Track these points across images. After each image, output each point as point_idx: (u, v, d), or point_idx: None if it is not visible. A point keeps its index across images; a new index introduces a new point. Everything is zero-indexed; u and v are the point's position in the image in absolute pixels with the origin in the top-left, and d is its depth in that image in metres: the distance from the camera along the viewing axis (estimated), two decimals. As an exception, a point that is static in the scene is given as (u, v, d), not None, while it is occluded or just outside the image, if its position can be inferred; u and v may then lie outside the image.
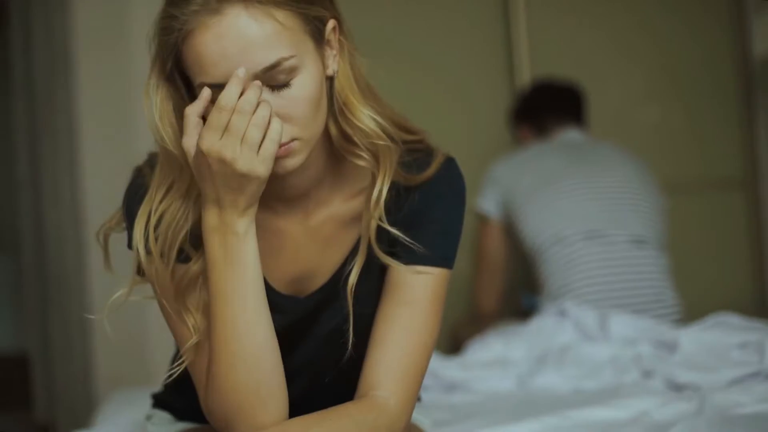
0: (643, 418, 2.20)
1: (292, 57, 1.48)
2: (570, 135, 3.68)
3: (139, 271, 1.64)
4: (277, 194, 1.66)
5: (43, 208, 4.10)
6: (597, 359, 2.77)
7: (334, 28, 1.58)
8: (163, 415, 1.89)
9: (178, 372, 1.61)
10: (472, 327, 3.49)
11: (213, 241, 1.53)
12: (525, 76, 4.22)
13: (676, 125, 4.39)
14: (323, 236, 1.69)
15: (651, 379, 2.61)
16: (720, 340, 2.63)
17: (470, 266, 3.71)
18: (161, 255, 1.58)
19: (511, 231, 3.52)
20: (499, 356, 2.81)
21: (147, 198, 1.60)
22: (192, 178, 1.55)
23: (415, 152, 1.70)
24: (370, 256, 1.63)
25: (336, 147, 1.63)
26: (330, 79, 1.59)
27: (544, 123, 3.73)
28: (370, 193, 1.62)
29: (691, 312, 3.47)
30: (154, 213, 1.57)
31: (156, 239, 1.58)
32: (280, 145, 1.49)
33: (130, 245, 1.64)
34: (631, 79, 4.38)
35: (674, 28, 4.39)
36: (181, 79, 1.56)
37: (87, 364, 4.03)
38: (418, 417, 1.85)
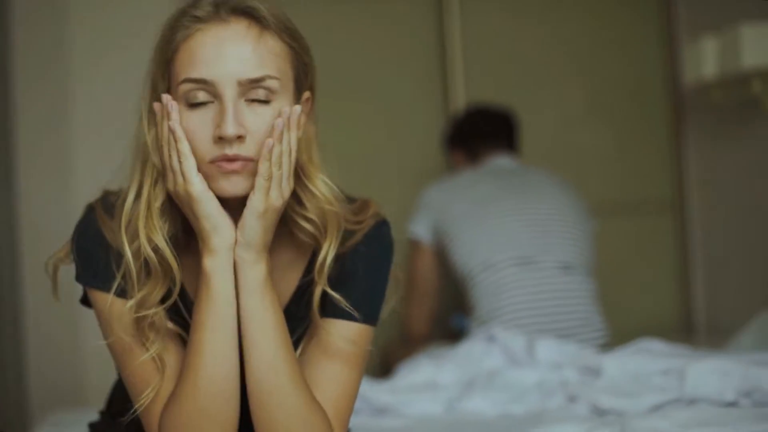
0: (567, 444, 2.26)
1: (276, 79, 1.61)
2: (502, 161, 3.74)
3: (84, 300, 1.72)
4: None
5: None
6: (524, 384, 2.82)
7: (308, 99, 1.71)
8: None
9: (141, 408, 1.66)
10: (403, 350, 3.53)
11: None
12: (459, 101, 4.27)
13: (607, 148, 4.46)
14: None
15: (576, 403, 2.67)
16: (643, 366, 2.70)
17: (401, 289, 3.74)
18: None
19: (442, 256, 3.56)
20: (428, 380, 2.84)
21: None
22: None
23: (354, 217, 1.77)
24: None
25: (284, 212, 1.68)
26: None
27: (476, 149, 3.78)
28: (315, 258, 1.70)
29: (620, 333, 3.54)
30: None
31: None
32: (240, 157, 1.58)
33: (77, 278, 1.71)
34: (564, 102, 4.44)
35: (607, 54, 4.47)
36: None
37: (22, 388, 4.02)
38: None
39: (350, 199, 1.80)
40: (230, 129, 1.57)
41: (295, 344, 1.71)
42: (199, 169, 1.60)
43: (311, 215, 1.69)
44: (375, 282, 1.77)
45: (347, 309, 1.70)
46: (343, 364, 1.71)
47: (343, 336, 1.71)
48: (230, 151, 1.58)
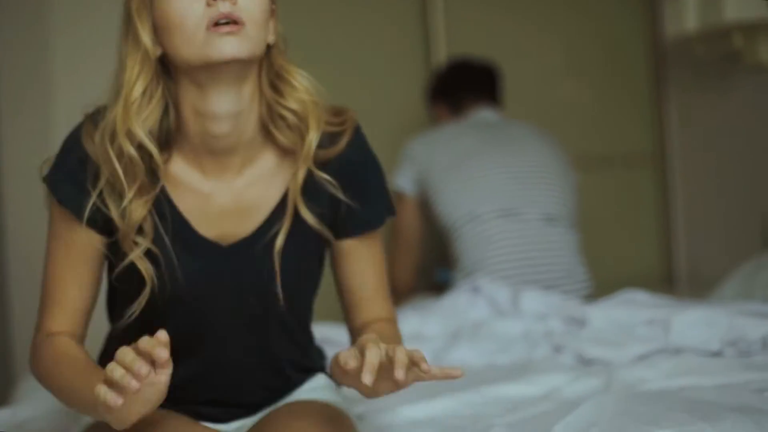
0: (554, 394, 2.28)
1: None
2: (484, 114, 3.74)
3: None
4: (209, 148, 1.74)
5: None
6: (509, 334, 2.84)
7: (273, 9, 1.76)
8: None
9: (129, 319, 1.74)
10: (389, 302, 3.53)
11: None
12: (441, 54, 4.26)
13: (588, 102, 4.47)
14: (249, 198, 1.78)
15: (561, 353, 2.69)
16: (628, 316, 2.72)
17: (386, 242, 3.76)
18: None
19: (426, 208, 3.57)
20: (414, 332, 2.85)
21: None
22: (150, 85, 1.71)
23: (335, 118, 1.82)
24: (294, 218, 1.77)
25: (266, 112, 1.76)
26: (268, 47, 1.73)
27: (459, 102, 3.78)
28: (299, 151, 1.75)
29: (602, 285, 3.56)
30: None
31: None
32: (236, 17, 1.63)
33: (44, 180, 1.76)
34: (546, 56, 4.44)
35: (588, 7, 4.46)
36: None
37: (4, 338, 4.02)
38: (340, 401, 1.90)
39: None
40: None
41: (272, 240, 1.76)
42: (196, 42, 1.64)
43: (293, 106, 1.74)
44: (379, 180, 1.87)
45: (365, 217, 1.83)
46: (377, 262, 1.88)
47: (369, 245, 1.86)
48: (224, 8, 1.62)
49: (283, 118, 1.75)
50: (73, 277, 1.74)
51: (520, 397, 2.27)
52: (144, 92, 1.69)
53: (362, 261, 1.85)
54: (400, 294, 3.55)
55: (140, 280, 1.72)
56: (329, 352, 2.69)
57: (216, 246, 1.76)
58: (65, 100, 3.78)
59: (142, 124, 1.69)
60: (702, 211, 4.30)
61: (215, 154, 1.75)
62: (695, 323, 2.55)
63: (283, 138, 1.76)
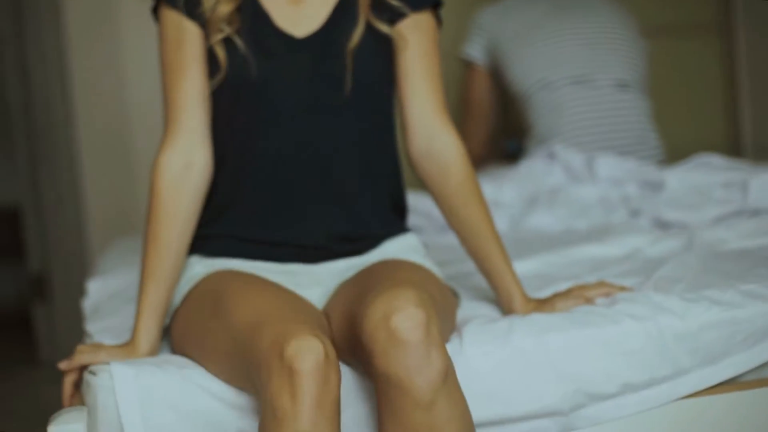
0: (636, 254, 2.31)
1: None
2: (554, -19, 3.71)
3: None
4: None
5: (29, 61, 4.12)
6: (586, 200, 2.86)
7: None
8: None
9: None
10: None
11: None
12: None
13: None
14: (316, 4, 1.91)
15: (638, 217, 2.71)
16: (704, 179, 2.73)
17: (457, 112, 3.77)
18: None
19: (497, 77, 3.57)
20: (491, 198, 2.87)
21: None
22: None
23: None
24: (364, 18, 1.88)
25: None
26: None
27: (529, -29, 3.75)
28: None
29: (669, 154, 3.56)
30: None
31: None
32: None
33: None
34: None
35: None
36: None
37: (79, 215, 4.10)
38: (430, 265, 1.95)
39: None
40: None
41: (347, 41, 1.88)
42: None
43: None
44: None
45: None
46: (432, 54, 1.94)
47: (424, 29, 1.93)
48: None
49: None
50: (185, 75, 1.87)
51: (603, 257, 2.31)
52: None
53: (416, 47, 1.92)
54: (473, 163, 3.55)
55: (218, 68, 1.86)
56: (414, 221, 2.75)
57: (291, 38, 1.88)
58: None
59: None
60: (767, 81, 4.26)
61: None
62: (773, 185, 2.56)
63: None
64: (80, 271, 4.09)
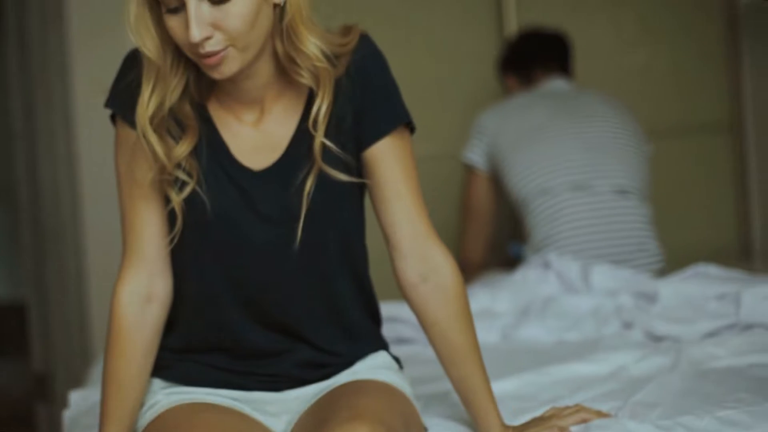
0: (621, 373, 2.28)
1: None
2: (556, 84, 3.71)
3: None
4: (235, 97, 1.83)
5: (38, 160, 4.13)
6: (579, 311, 2.83)
7: None
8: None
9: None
10: (460, 277, 3.53)
11: None
12: (512, 24, 4.23)
13: (661, 70, 4.40)
14: (273, 137, 1.84)
15: (631, 330, 2.68)
16: (698, 291, 2.69)
17: (457, 216, 3.76)
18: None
19: (497, 181, 3.55)
20: (485, 308, 2.85)
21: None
22: (169, 74, 1.77)
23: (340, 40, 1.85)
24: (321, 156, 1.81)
25: (281, 63, 1.80)
26: (279, 7, 1.75)
27: (530, 72, 3.75)
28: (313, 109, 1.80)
29: (676, 257, 3.53)
30: (146, 106, 1.76)
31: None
32: (214, 53, 1.69)
33: (106, 103, 1.87)
34: (618, 23, 4.38)
35: (661, -27, 4.41)
36: None
37: (83, 314, 4.09)
38: (401, 383, 1.91)
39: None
40: (194, 36, 1.66)
41: (302, 183, 1.80)
42: (193, 58, 1.73)
43: (303, 71, 1.78)
44: (391, 82, 1.88)
45: (381, 123, 1.84)
46: (408, 170, 1.86)
47: (395, 146, 1.84)
48: (203, 50, 1.69)
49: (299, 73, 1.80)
50: (143, 200, 1.83)
51: (586, 376, 2.27)
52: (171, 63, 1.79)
53: (394, 167, 1.85)
54: (471, 269, 3.55)
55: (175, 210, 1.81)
56: (394, 330, 2.72)
57: (248, 171, 1.83)
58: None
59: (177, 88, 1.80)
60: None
61: (240, 101, 1.84)
62: (766, 298, 2.52)
63: (300, 79, 1.80)
64: (83, 372, 4.06)
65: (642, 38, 4.39)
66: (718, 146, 4.44)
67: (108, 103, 1.86)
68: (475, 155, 3.58)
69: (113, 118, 1.87)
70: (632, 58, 4.38)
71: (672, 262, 3.44)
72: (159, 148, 1.76)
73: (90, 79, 3.99)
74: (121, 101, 1.83)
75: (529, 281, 2.99)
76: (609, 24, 4.37)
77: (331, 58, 1.78)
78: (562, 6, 4.31)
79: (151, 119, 1.75)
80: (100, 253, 4.04)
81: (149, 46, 1.75)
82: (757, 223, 4.37)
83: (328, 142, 1.78)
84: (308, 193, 1.79)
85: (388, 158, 1.85)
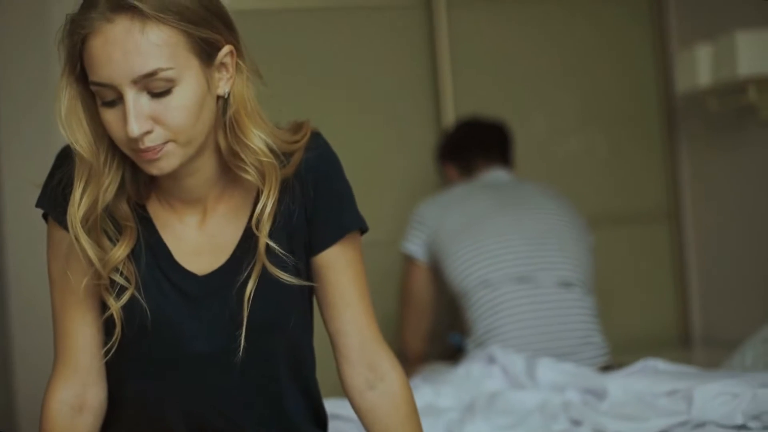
0: (573, 473, 2.21)
1: (170, 69, 1.60)
2: (496, 175, 3.68)
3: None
4: (176, 195, 1.77)
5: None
6: (526, 406, 2.76)
7: (231, 53, 1.69)
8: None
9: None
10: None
11: None
12: (449, 114, 4.20)
13: (600, 158, 4.41)
14: (218, 238, 1.78)
15: (580, 427, 2.61)
16: (647, 387, 2.64)
17: (396, 307, 3.70)
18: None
19: (437, 272, 3.50)
20: (428, 404, 2.78)
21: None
22: (102, 171, 1.69)
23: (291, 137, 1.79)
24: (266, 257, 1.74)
25: (225, 159, 1.73)
26: (223, 99, 1.69)
27: (469, 162, 3.72)
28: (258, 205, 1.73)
29: (616, 346, 3.49)
30: (77, 206, 1.67)
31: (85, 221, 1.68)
32: (152, 148, 1.61)
33: (37, 203, 1.78)
34: (556, 112, 4.38)
35: (598, 62, 4.41)
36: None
37: (7, 390, 3.98)
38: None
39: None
40: (133, 130, 1.60)
41: (242, 286, 1.72)
42: (129, 154, 1.66)
43: (247, 166, 1.71)
44: (344, 185, 1.83)
45: (333, 228, 1.79)
46: (359, 277, 1.81)
47: (348, 252, 1.80)
48: (142, 145, 1.62)
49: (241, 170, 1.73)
50: (76, 304, 1.75)
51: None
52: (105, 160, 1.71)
53: (344, 274, 1.81)
54: (411, 361, 3.49)
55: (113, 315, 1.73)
56: (338, 430, 2.64)
57: (192, 276, 1.76)
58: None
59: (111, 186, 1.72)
60: (717, 270, 4.23)
61: (182, 199, 1.77)
62: (718, 395, 2.46)
63: (247, 177, 1.73)
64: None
65: (580, 127, 4.40)
66: (657, 235, 4.45)
67: (39, 203, 1.78)
68: (415, 246, 3.53)
69: (45, 217, 1.79)
70: (570, 146, 4.38)
71: (614, 350, 3.40)
72: (92, 253, 1.68)
73: (15, 126, 3.88)
74: (53, 200, 1.75)
75: (473, 376, 2.93)
76: (546, 113, 4.37)
77: (279, 154, 1.72)
78: (499, 95, 4.30)
79: (84, 220, 1.67)
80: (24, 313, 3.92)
81: (81, 142, 1.67)
82: (696, 311, 4.36)
83: (272, 243, 1.72)
84: (248, 298, 1.72)
85: (338, 264, 1.80)
